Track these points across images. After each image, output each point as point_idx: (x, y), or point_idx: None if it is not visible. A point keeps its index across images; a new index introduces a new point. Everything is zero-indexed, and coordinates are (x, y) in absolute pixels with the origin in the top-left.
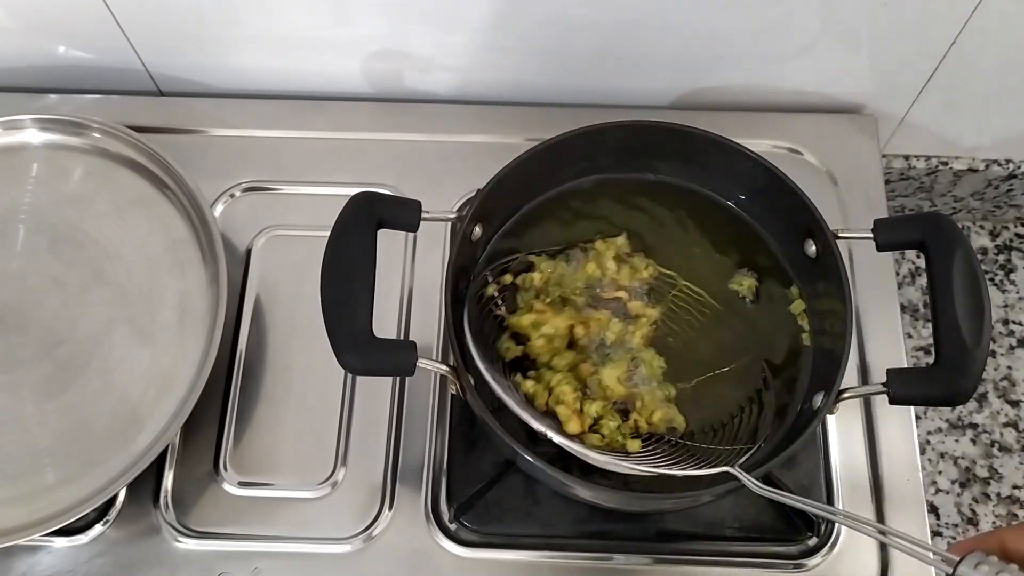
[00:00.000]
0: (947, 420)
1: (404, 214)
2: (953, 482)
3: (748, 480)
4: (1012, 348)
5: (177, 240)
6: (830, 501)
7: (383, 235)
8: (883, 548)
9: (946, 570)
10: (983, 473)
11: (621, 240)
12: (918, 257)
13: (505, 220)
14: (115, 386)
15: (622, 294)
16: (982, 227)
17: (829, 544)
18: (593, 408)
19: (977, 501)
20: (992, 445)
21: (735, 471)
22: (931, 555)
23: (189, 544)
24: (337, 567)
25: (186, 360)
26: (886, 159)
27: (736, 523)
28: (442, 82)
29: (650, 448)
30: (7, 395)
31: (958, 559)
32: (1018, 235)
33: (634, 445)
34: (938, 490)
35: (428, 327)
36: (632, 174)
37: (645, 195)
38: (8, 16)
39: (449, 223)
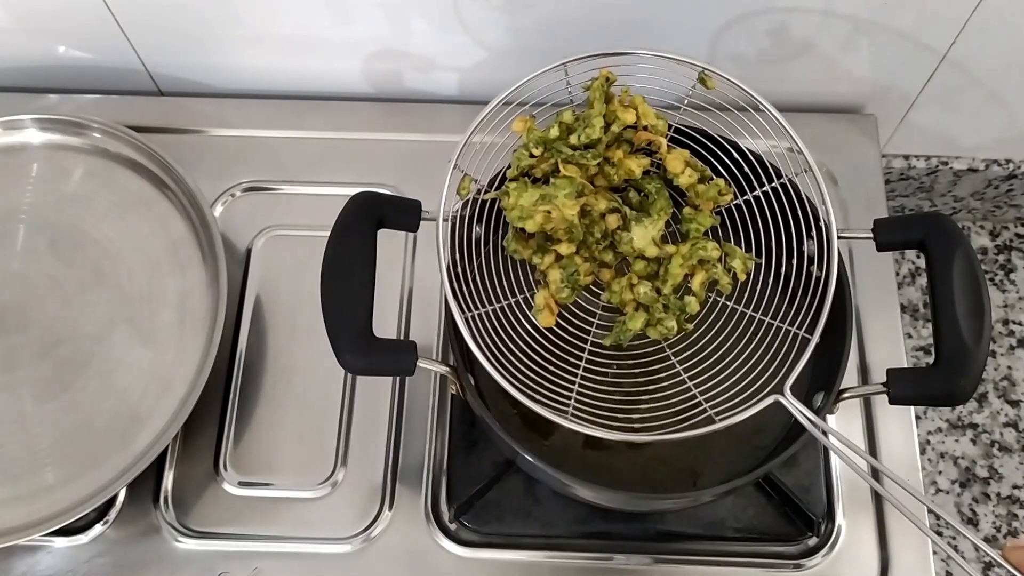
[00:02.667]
0: (947, 420)
1: (404, 214)
2: (953, 482)
3: (800, 411)
4: (1012, 348)
5: (177, 240)
6: (830, 501)
7: (383, 235)
8: (883, 548)
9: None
10: (983, 473)
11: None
12: (918, 257)
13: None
14: (115, 386)
15: (654, 137)
16: (982, 227)
17: (829, 544)
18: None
19: (977, 501)
20: (992, 445)
21: (787, 399)
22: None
23: (189, 544)
24: (337, 567)
25: (186, 360)
26: (886, 159)
27: (736, 523)
28: (442, 82)
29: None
30: (7, 395)
31: None
32: (1018, 235)
33: (691, 308)
34: (938, 490)
35: (428, 327)
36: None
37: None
38: (8, 16)
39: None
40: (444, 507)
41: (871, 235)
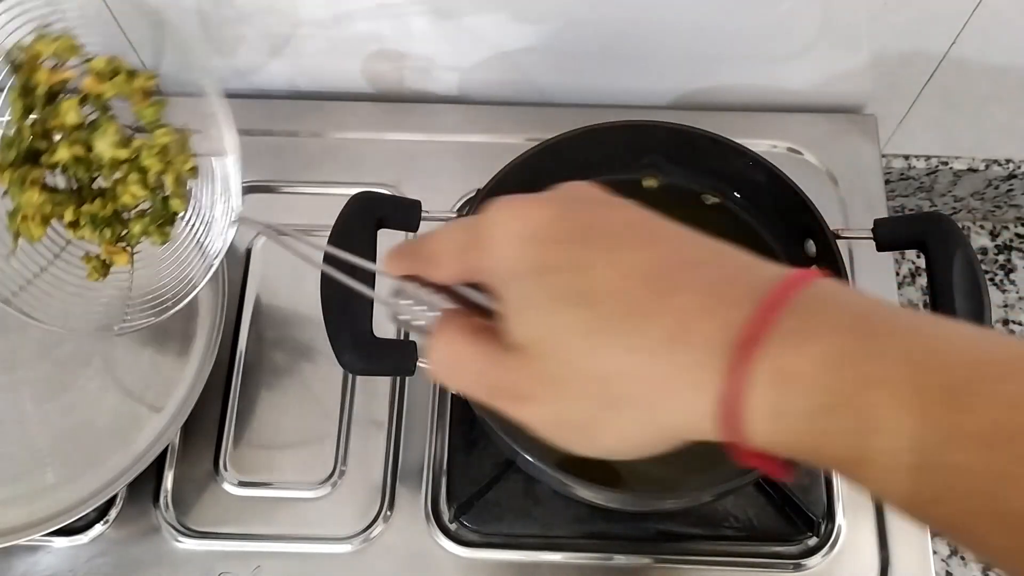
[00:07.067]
0: None
1: (404, 214)
2: None
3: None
4: None
5: None
6: (830, 501)
7: (383, 235)
8: (883, 548)
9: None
10: None
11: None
12: (918, 257)
13: None
14: (115, 386)
15: (67, 74)
16: (982, 227)
17: (829, 544)
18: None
19: None
20: None
21: None
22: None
23: (189, 544)
24: (337, 567)
25: (186, 360)
26: (886, 159)
27: (736, 523)
28: (442, 82)
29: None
30: (7, 395)
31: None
32: (1018, 235)
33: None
34: None
35: None
36: (632, 174)
37: (644, 195)
38: None
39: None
40: (444, 507)
41: (871, 235)
